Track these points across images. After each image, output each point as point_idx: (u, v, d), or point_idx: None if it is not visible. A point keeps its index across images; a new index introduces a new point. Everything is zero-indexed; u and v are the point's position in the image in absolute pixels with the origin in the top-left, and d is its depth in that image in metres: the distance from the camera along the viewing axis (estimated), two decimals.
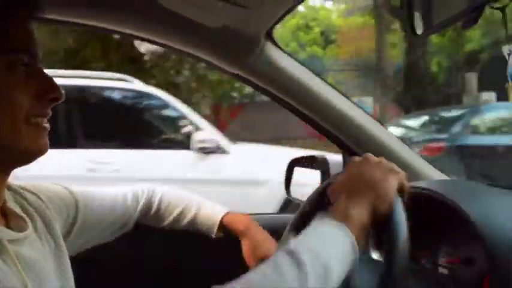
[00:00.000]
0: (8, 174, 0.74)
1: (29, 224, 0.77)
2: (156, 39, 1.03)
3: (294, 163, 1.33)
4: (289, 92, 1.08)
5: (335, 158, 1.23)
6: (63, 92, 0.73)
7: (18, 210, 0.78)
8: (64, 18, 0.96)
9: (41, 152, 0.71)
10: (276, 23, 1.02)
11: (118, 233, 1.08)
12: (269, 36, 1.04)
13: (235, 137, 4.40)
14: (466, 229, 0.81)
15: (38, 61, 0.73)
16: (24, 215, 0.78)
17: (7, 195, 0.76)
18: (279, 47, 1.06)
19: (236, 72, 1.08)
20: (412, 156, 1.14)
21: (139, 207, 1.09)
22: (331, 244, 0.67)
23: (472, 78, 14.64)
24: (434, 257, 0.95)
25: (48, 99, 0.72)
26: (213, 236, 1.09)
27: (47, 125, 0.72)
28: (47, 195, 0.87)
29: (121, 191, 1.08)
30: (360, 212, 0.70)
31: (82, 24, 1.00)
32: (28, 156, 0.71)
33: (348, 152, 1.18)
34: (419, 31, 0.77)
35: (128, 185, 1.12)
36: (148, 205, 1.10)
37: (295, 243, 0.66)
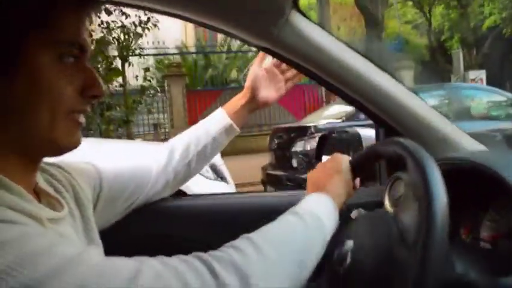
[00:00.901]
0: (38, 163, 0.75)
1: (64, 204, 0.78)
2: (180, 13, 1.00)
3: (325, 137, 1.30)
4: (319, 63, 1.03)
5: (367, 132, 1.20)
6: (103, 90, 0.75)
7: (51, 191, 0.79)
8: None
9: (72, 147, 0.73)
10: None
11: (145, 201, 1.11)
12: (295, 5, 1.00)
13: None
14: (510, 200, 0.77)
15: (87, 55, 0.73)
16: (57, 196, 0.79)
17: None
18: (306, 17, 1.01)
19: (263, 45, 1.04)
20: (450, 127, 1.08)
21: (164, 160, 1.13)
22: (321, 206, 0.85)
23: (458, 56, 14.32)
24: (475, 231, 0.90)
25: (90, 95, 0.72)
26: (232, 123, 1.16)
27: (82, 120, 0.73)
28: (72, 167, 0.89)
29: (142, 157, 1.13)
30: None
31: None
32: (59, 149, 0.72)
33: (382, 125, 1.14)
34: None
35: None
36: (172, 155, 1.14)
37: (297, 208, 0.83)
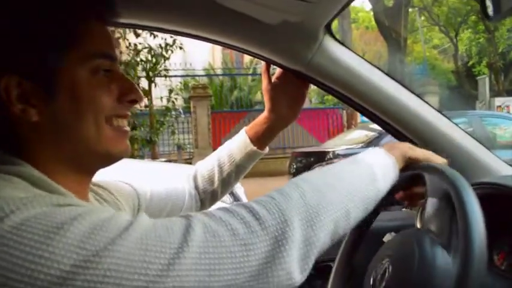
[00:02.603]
0: (92, 175, 0.78)
1: None
2: (215, 38, 1.03)
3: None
4: (350, 86, 1.05)
5: None
6: (142, 94, 0.77)
7: (99, 204, 0.82)
8: (128, 21, 0.98)
9: (122, 155, 0.75)
10: (335, 16, 0.99)
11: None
12: (328, 30, 1.02)
13: None
14: None
15: (117, 63, 0.75)
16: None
17: None
18: (339, 41, 1.03)
19: (297, 68, 1.06)
20: (483, 152, 1.08)
21: (191, 183, 1.13)
22: (378, 159, 0.78)
23: (484, 82, 13.98)
24: (510, 258, 0.89)
25: (128, 100, 0.75)
26: (256, 148, 1.12)
27: (128, 129, 0.76)
28: (114, 188, 0.92)
29: (175, 179, 1.14)
30: (393, 148, 0.82)
31: (142, 26, 1.02)
32: (110, 158, 0.74)
33: None
34: (491, 15, 0.85)
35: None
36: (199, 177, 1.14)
37: (354, 157, 0.78)
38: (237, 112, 13.04)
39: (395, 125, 1.08)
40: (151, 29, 1.04)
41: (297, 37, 1.01)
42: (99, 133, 0.71)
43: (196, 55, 12.32)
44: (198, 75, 14.98)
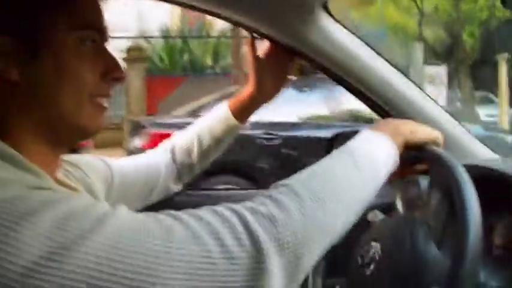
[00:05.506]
0: (63, 150, 0.75)
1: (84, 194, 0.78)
2: (211, 8, 1.00)
3: (337, 137, 1.31)
4: (343, 66, 1.05)
5: None
6: (124, 73, 0.76)
7: (69, 182, 0.79)
8: None
9: (97, 130, 0.73)
10: None
11: (159, 195, 1.10)
12: (325, 7, 1.01)
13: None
14: None
15: (106, 38, 0.73)
16: (76, 186, 0.80)
17: None
18: (335, 19, 1.03)
19: (290, 43, 1.05)
20: (464, 134, 1.11)
21: (169, 157, 1.11)
22: (376, 146, 0.72)
23: (417, 49, 13.23)
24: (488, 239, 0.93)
25: (112, 78, 0.73)
26: (238, 122, 1.10)
27: (106, 105, 0.73)
28: (83, 163, 0.89)
29: (150, 152, 1.13)
30: (394, 132, 0.76)
31: None
32: (85, 133, 0.72)
33: None
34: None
35: None
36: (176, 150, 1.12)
37: (350, 144, 0.72)
38: (176, 77, 12.43)
39: (384, 106, 1.10)
40: None
41: (293, 12, 0.99)
42: (78, 107, 0.68)
43: (152, 16, 11.86)
44: (133, 38, 13.90)
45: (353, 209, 0.66)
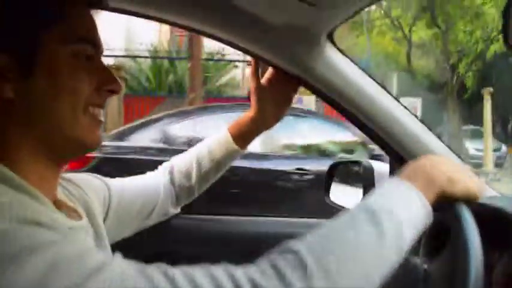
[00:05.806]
0: (61, 166, 0.74)
1: (82, 214, 0.78)
2: (216, 34, 0.99)
3: (335, 167, 1.31)
4: (347, 97, 1.05)
5: (380, 166, 1.21)
6: (121, 85, 0.76)
7: (67, 201, 0.78)
8: (127, 8, 0.92)
9: (94, 145, 0.72)
10: (339, 24, 0.98)
11: (157, 217, 1.08)
12: (330, 37, 1.01)
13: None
14: None
15: (100, 51, 0.73)
16: (75, 206, 0.79)
17: None
18: (340, 51, 1.03)
19: (294, 73, 1.04)
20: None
21: (167, 179, 1.09)
22: (404, 206, 0.63)
23: (393, 80, 13.57)
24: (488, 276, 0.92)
25: (107, 90, 0.73)
26: (238, 147, 1.08)
27: (102, 119, 0.73)
28: (84, 183, 0.89)
29: (149, 173, 1.11)
30: (429, 183, 0.67)
31: (144, 15, 0.96)
32: (82, 147, 0.72)
33: (398, 161, 1.16)
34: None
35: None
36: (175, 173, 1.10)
37: (371, 201, 0.63)
38: (154, 97, 12.32)
39: (387, 139, 1.09)
40: (144, 17, 0.99)
41: (298, 41, 0.99)
42: (75, 119, 0.68)
43: (142, 35, 11.84)
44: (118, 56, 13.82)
45: (368, 284, 0.58)
